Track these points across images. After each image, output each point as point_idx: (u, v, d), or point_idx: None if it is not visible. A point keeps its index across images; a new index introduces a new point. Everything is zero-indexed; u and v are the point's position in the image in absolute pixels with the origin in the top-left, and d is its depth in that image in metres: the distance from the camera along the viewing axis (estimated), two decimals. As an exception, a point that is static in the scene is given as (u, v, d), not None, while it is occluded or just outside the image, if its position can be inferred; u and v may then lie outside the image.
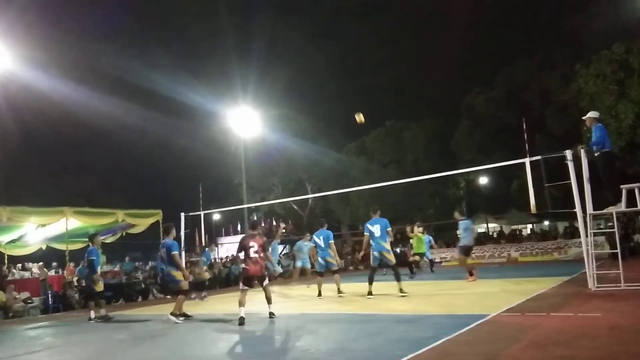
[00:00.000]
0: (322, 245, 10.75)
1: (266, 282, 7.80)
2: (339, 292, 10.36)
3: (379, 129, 31.70)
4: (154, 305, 13.16)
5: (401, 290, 9.33)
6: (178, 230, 15.16)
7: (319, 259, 10.93)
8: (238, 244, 8.03)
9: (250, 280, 7.68)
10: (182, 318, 8.68)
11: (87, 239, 17.93)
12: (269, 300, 7.76)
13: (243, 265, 7.86)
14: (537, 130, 25.39)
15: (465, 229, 12.40)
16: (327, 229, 11.20)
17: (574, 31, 25.22)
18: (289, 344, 5.80)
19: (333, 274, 10.68)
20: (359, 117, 12.78)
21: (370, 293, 9.53)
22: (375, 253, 9.61)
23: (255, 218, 28.71)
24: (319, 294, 10.71)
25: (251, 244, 7.50)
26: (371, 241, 9.64)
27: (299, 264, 14.63)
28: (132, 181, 39.08)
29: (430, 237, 17.18)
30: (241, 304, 7.52)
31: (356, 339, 5.87)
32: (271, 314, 7.64)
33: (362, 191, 23.53)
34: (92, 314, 9.79)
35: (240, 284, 7.98)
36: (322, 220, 12.33)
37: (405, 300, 9.19)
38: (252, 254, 7.40)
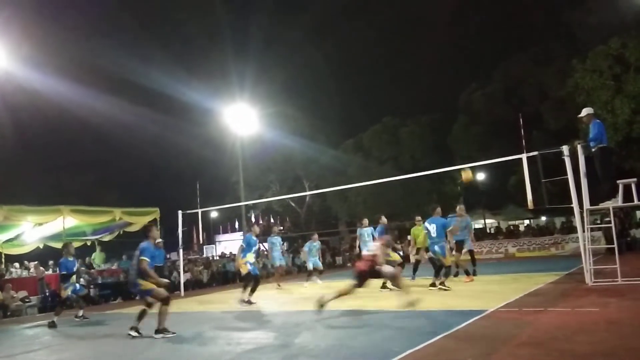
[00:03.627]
0: (433, 235, 9.87)
1: (386, 271, 6.81)
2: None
3: (375, 125, 31.70)
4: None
5: (442, 284, 9.56)
6: (175, 229, 15.19)
7: (430, 252, 10.08)
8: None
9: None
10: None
11: (84, 238, 18.08)
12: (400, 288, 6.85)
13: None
14: (534, 126, 25.36)
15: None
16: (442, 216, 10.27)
17: (570, 26, 25.21)
18: (288, 340, 5.80)
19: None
20: (466, 175, 11.65)
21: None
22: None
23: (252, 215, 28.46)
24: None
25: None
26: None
27: (310, 264, 14.43)
28: (129, 179, 38.87)
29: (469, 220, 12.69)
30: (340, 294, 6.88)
31: (354, 336, 5.88)
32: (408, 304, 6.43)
33: (360, 188, 23.49)
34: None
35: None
36: (434, 205, 10.83)
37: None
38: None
